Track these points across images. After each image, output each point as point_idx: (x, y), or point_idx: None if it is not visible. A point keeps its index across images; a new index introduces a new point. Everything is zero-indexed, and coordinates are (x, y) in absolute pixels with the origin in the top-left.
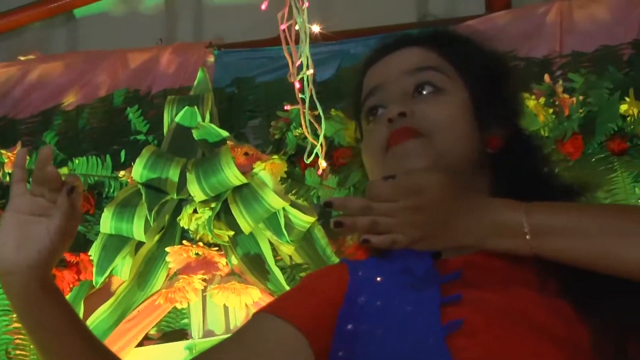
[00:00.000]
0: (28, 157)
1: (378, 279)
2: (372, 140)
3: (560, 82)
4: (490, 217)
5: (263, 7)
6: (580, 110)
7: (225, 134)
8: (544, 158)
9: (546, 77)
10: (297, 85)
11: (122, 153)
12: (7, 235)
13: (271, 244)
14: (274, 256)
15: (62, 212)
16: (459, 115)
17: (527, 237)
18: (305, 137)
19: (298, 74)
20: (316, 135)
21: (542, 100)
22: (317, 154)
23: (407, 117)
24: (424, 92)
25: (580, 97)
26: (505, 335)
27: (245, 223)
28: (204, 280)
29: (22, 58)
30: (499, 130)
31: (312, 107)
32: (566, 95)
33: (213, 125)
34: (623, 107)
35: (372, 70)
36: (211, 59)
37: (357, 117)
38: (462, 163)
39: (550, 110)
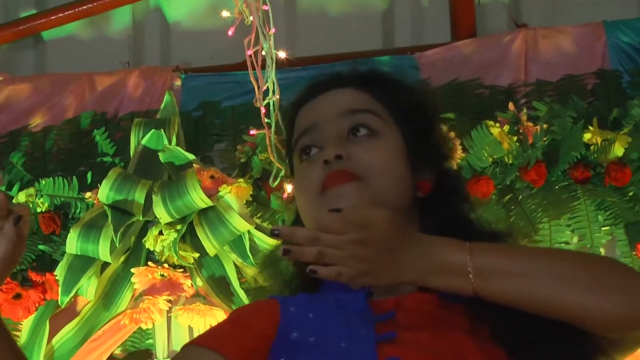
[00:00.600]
0: None
1: (310, 315)
2: (307, 180)
3: (525, 110)
4: (435, 255)
5: (230, 32)
6: (544, 139)
7: (191, 157)
8: (469, 202)
9: (510, 105)
10: (263, 110)
11: (89, 174)
12: None
13: (236, 266)
14: (239, 278)
15: (8, 241)
16: (394, 159)
17: (471, 277)
18: (271, 161)
19: (264, 99)
20: (282, 160)
21: (506, 128)
22: (282, 177)
23: (343, 159)
24: (359, 135)
25: (545, 126)
26: None
27: (210, 245)
28: (169, 301)
29: None
30: (429, 174)
31: (278, 132)
32: (530, 124)
33: (179, 149)
34: (586, 136)
35: (306, 108)
36: (178, 82)
37: (289, 154)
38: (396, 207)
39: (515, 138)
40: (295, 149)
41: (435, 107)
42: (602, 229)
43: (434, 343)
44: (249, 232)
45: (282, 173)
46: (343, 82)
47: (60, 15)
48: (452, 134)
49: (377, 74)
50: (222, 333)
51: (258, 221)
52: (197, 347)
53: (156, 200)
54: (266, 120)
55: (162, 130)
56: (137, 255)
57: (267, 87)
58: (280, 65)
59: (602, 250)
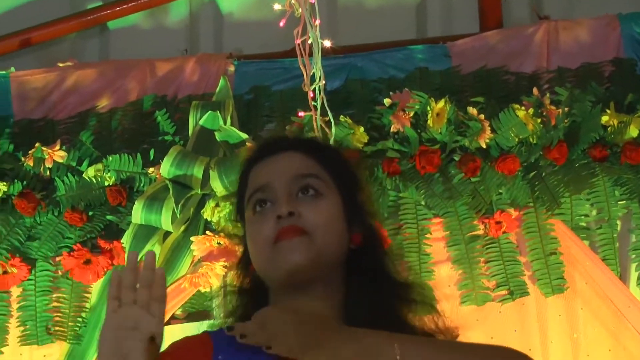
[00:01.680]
0: (67, 154)
1: None
2: (260, 231)
3: (548, 95)
4: (365, 341)
5: (281, 24)
6: (566, 121)
7: (244, 136)
8: (387, 252)
9: (535, 91)
10: (311, 94)
11: (152, 152)
12: (108, 351)
13: None
14: None
15: (158, 321)
16: (335, 216)
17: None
18: None
19: (310, 84)
20: (327, 139)
21: (530, 111)
22: None
23: (294, 216)
24: (307, 195)
25: (566, 109)
26: None
27: None
28: (225, 267)
29: (60, 65)
30: (359, 228)
31: (323, 114)
32: (553, 107)
33: (233, 128)
34: (604, 119)
35: (259, 167)
36: (231, 68)
37: (240, 205)
38: (335, 257)
39: (538, 120)
40: (249, 202)
41: (360, 171)
42: (619, 203)
43: None
44: None
45: None
46: (293, 146)
47: (123, 6)
48: (482, 116)
49: (320, 142)
50: None
51: None
52: None
53: (213, 175)
54: (313, 103)
55: (217, 111)
56: (196, 225)
57: (314, 73)
58: (325, 53)
59: (619, 223)
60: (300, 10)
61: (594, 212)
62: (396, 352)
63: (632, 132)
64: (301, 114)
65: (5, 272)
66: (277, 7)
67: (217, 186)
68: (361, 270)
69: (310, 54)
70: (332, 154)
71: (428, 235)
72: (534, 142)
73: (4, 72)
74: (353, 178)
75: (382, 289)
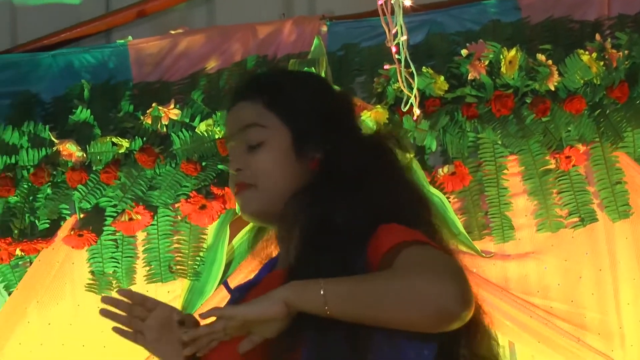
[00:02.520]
0: (180, 112)
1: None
2: (230, 182)
3: (609, 40)
4: (294, 287)
5: None
6: (626, 63)
7: (337, 88)
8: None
9: (597, 36)
10: (394, 49)
11: None
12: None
13: None
14: None
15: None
16: (278, 158)
17: (326, 309)
18: (402, 90)
19: (394, 40)
20: (411, 88)
21: (594, 55)
22: (411, 103)
23: (242, 171)
24: (251, 147)
25: (626, 52)
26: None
27: None
28: None
29: (172, 32)
30: (317, 152)
31: (407, 66)
32: (614, 51)
33: None
34: None
35: (226, 119)
36: (324, 29)
37: None
38: (290, 191)
39: (601, 63)
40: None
41: (321, 85)
42: None
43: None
44: None
45: (412, 100)
46: (243, 95)
47: None
48: (550, 62)
49: (267, 78)
50: None
51: None
52: None
53: None
54: (397, 56)
55: (312, 67)
56: None
57: (397, 30)
58: (406, 11)
59: None
60: None
61: None
62: (320, 286)
63: None
64: (387, 67)
65: (131, 219)
66: None
67: None
68: (329, 187)
69: (393, 12)
70: (282, 86)
71: (505, 171)
72: (598, 83)
73: (122, 40)
74: (305, 104)
75: (346, 199)
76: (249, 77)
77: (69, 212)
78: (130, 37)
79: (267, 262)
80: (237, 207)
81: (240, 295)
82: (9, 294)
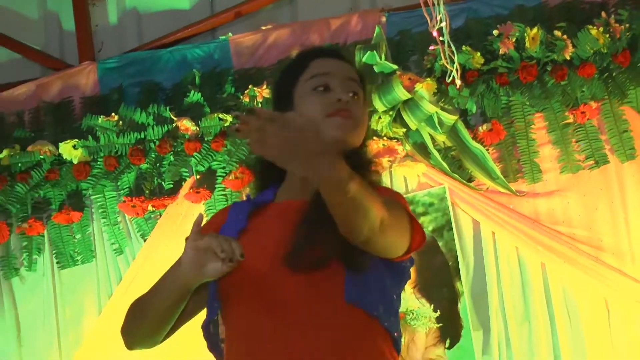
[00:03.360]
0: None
1: (237, 214)
2: (318, 104)
3: (613, 16)
4: (337, 171)
5: None
6: (627, 34)
7: (395, 66)
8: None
9: (603, 14)
10: (435, 33)
11: None
12: (190, 260)
13: (430, 135)
14: (433, 143)
15: (233, 266)
16: (364, 116)
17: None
18: (445, 66)
19: (436, 26)
20: (452, 63)
21: (601, 29)
22: (454, 76)
23: (349, 103)
24: (354, 97)
25: (627, 25)
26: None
27: (412, 122)
28: (389, 161)
29: (263, 28)
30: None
31: (449, 47)
32: (617, 25)
33: (387, 62)
34: None
35: (322, 61)
36: (383, 19)
37: (287, 86)
38: (359, 142)
39: (607, 36)
40: (308, 82)
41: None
42: None
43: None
44: (436, 112)
45: (454, 73)
46: (344, 58)
47: None
48: (565, 36)
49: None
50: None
51: (441, 104)
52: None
53: (374, 96)
54: (440, 39)
55: (374, 51)
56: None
57: (439, 17)
58: (446, 1)
59: None
60: None
61: None
62: (350, 185)
63: None
64: (432, 47)
65: (236, 178)
66: None
67: (378, 104)
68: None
69: (436, 4)
70: (360, 74)
71: (532, 126)
72: (605, 51)
73: (224, 37)
74: (369, 99)
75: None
76: (327, 48)
77: (188, 175)
78: (230, 34)
79: (267, 190)
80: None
81: (254, 207)
82: (144, 241)
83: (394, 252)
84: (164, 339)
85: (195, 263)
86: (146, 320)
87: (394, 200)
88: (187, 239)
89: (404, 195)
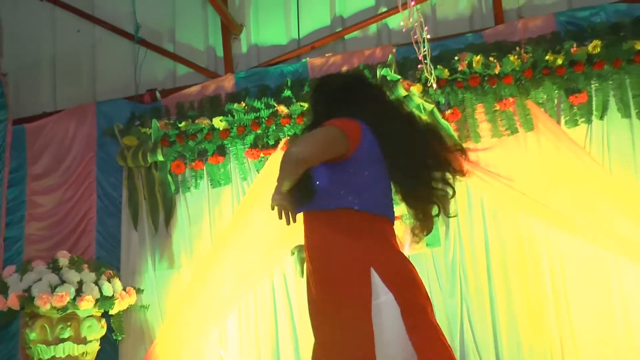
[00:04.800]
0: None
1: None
2: None
3: (523, 49)
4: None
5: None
6: (531, 59)
7: (399, 77)
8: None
9: (517, 48)
10: (421, 58)
11: None
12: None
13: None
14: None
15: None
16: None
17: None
18: (428, 77)
19: (421, 53)
20: (432, 75)
21: (516, 56)
22: (432, 82)
23: None
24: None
25: (530, 55)
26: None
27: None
28: None
29: (327, 55)
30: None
31: (430, 65)
32: (525, 54)
33: (395, 74)
34: None
35: None
36: (394, 50)
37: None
38: None
39: (519, 60)
40: None
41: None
42: None
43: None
44: (422, 102)
45: (432, 80)
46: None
47: None
48: (496, 61)
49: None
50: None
51: (425, 98)
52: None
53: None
54: (425, 61)
55: (388, 68)
56: None
57: (424, 50)
58: (429, 40)
59: None
60: (414, 21)
61: None
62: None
63: None
64: (420, 66)
65: None
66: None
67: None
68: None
69: (421, 41)
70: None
71: (476, 111)
72: (518, 69)
73: (305, 60)
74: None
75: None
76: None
77: (283, 136)
78: (308, 58)
79: None
80: None
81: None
82: (258, 173)
83: (334, 157)
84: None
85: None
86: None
87: (318, 129)
88: None
89: None
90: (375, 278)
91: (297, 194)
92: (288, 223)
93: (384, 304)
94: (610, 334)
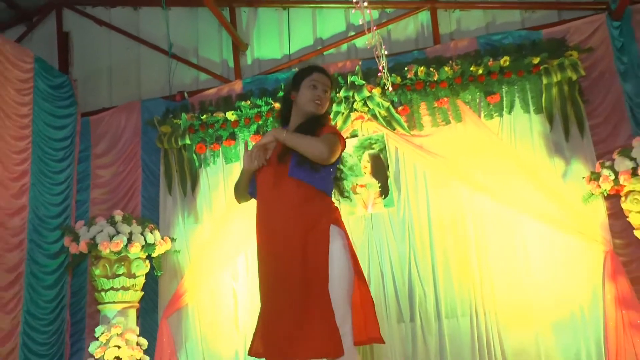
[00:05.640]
0: None
1: None
2: (311, 93)
3: (454, 63)
4: (277, 131)
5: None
6: (459, 70)
7: (364, 82)
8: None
9: (450, 62)
10: (381, 67)
11: None
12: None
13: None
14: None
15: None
16: (327, 101)
17: (284, 139)
18: (385, 82)
19: (381, 64)
20: (388, 81)
21: (450, 69)
22: (388, 86)
23: (321, 97)
24: (325, 93)
25: (459, 67)
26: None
27: (371, 105)
28: (361, 121)
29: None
30: (326, 112)
31: (387, 73)
32: (456, 66)
33: (361, 80)
34: None
35: (318, 74)
36: (360, 63)
37: (296, 82)
38: (308, 119)
39: (452, 71)
40: (309, 81)
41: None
42: None
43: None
44: (381, 101)
45: (388, 84)
46: (327, 74)
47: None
48: (435, 70)
49: (330, 76)
50: None
51: (383, 97)
52: None
53: (355, 93)
54: (383, 70)
55: (356, 76)
56: None
57: (383, 63)
58: (387, 55)
59: None
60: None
61: None
62: (285, 134)
63: None
64: (379, 74)
65: None
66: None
67: (357, 97)
68: (315, 121)
69: (381, 55)
70: (332, 81)
71: (421, 107)
72: (451, 77)
73: (294, 70)
74: (333, 85)
75: (316, 127)
76: (320, 67)
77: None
78: (296, 69)
79: (285, 126)
80: (310, 107)
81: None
82: None
83: (329, 161)
84: (244, 200)
85: (246, 162)
86: (239, 193)
87: (328, 134)
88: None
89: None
90: (334, 230)
91: (306, 167)
92: (255, 163)
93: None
94: (515, 270)
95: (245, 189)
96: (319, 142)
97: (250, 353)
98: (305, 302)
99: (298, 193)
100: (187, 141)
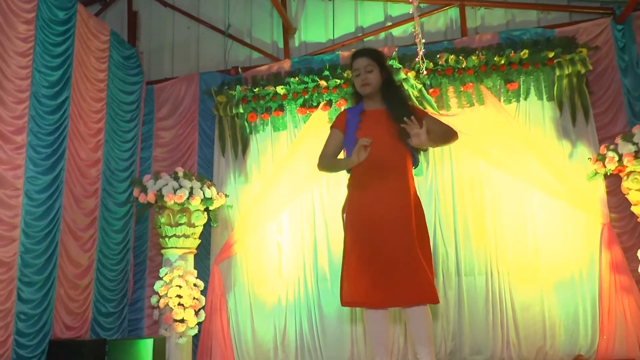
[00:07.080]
0: None
1: (353, 119)
2: (357, 82)
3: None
4: (426, 143)
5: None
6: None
7: (400, 66)
8: (399, 88)
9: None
10: (419, 53)
11: None
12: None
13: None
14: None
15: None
16: (377, 78)
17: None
18: (420, 66)
19: (421, 50)
20: (423, 65)
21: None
22: (423, 71)
23: (366, 78)
24: (369, 72)
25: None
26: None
27: (407, 87)
28: None
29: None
30: (385, 76)
31: (422, 60)
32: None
33: (398, 64)
34: None
35: (356, 60)
36: (396, 49)
37: (351, 72)
38: (378, 87)
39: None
40: (353, 71)
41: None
42: None
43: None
44: (415, 83)
45: (423, 69)
46: (365, 54)
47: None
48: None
49: (371, 51)
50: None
51: (417, 80)
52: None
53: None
54: (421, 54)
55: (394, 60)
56: None
57: (421, 49)
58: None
59: None
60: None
61: None
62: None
63: None
64: (417, 59)
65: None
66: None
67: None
68: (387, 89)
69: (419, 42)
70: (376, 55)
71: (449, 90)
72: (456, 76)
73: (338, 51)
74: (385, 63)
75: (395, 96)
76: (357, 51)
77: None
78: (339, 51)
79: (356, 105)
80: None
81: (358, 119)
82: (304, 124)
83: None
84: (328, 172)
85: (356, 158)
86: (330, 170)
87: (429, 116)
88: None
89: None
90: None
91: (415, 154)
92: (359, 158)
93: None
94: (524, 236)
95: (339, 170)
96: (446, 131)
97: (351, 304)
98: (418, 253)
99: (407, 163)
100: (240, 110)
